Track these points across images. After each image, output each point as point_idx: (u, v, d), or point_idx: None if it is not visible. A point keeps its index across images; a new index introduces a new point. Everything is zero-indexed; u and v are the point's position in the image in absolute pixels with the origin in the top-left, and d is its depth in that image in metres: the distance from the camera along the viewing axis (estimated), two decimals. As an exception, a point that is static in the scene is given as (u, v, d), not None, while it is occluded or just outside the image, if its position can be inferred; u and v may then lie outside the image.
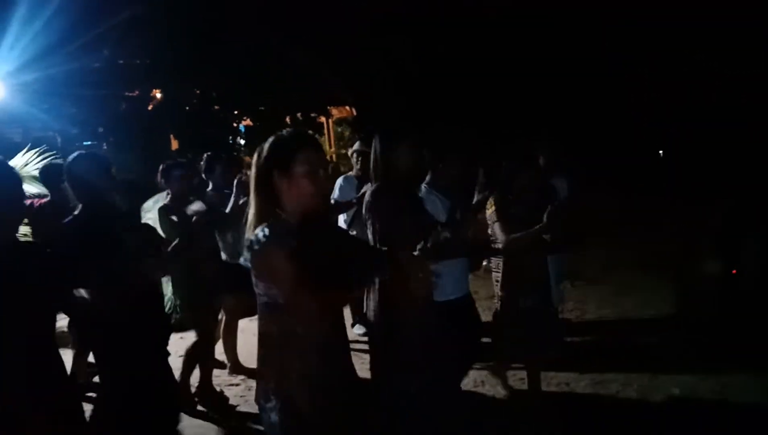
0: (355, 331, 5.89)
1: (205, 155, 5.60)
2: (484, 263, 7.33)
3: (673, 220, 9.29)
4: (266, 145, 2.35)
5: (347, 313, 6.45)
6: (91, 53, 11.92)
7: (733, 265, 5.63)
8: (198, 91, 14.28)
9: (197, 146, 11.98)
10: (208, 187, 5.37)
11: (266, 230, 2.21)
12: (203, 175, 5.51)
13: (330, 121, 18.95)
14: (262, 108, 14.96)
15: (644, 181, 14.14)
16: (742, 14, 13.62)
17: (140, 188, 4.76)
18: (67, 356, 3.39)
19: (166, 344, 3.59)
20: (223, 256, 4.99)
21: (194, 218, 4.41)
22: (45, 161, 5.49)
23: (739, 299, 5.55)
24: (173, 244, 4.12)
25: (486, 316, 4.91)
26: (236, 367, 5.39)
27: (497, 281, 4.18)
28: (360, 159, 5.76)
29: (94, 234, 3.05)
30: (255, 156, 2.38)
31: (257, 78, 13.32)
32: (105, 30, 11.61)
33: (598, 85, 15.91)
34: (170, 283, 4.81)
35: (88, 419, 3.09)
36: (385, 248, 2.94)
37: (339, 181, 5.93)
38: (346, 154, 9.57)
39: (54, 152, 5.97)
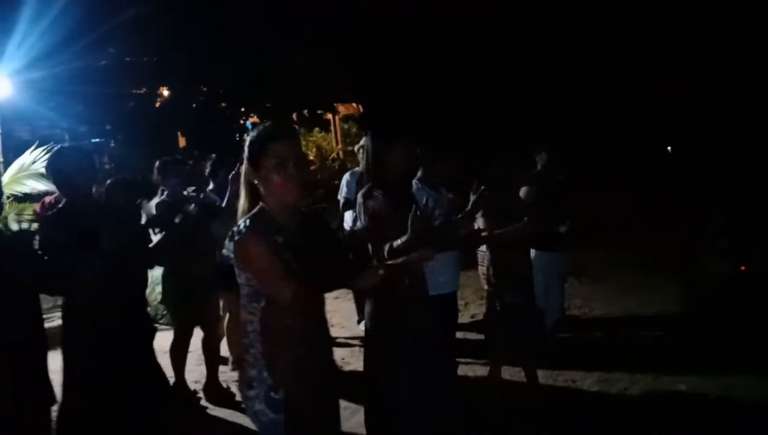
0: (362, 328, 5.90)
1: (209, 161, 5.62)
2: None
3: (678, 219, 9.26)
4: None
5: (352, 309, 6.47)
6: (98, 51, 11.96)
7: (740, 263, 5.60)
8: (205, 89, 14.32)
9: (204, 144, 12.03)
10: (209, 185, 5.40)
11: (247, 222, 2.26)
12: (207, 176, 5.53)
13: (337, 117, 18.96)
14: (269, 105, 14.99)
15: (649, 181, 14.10)
16: (742, 14, 13.56)
17: (144, 185, 4.78)
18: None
19: (150, 340, 3.60)
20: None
21: (189, 213, 4.38)
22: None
23: (745, 298, 5.52)
24: (159, 239, 4.09)
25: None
26: (240, 363, 5.42)
27: (483, 275, 4.32)
28: (366, 155, 5.76)
29: (74, 227, 3.06)
30: None
31: (264, 76, 13.34)
32: (111, 28, 11.65)
33: (600, 85, 15.87)
34: (161, 280, 4.86)
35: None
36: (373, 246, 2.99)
37: (346, 176, 5.96)
38: (353, 150, 9.57)
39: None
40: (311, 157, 19.23)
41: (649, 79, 16.20)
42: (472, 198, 4.22)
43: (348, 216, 5.55)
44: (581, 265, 7.19)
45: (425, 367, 3.05)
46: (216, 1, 12.25)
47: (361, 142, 6.05)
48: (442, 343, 3.20)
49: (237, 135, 15.23)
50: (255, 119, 15.79)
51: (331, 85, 13.92)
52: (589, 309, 6.40)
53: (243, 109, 15.19)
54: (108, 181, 4.24)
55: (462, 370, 4.78)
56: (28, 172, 6.40)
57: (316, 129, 17.66)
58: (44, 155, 5.73)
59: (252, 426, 2.45)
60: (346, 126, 19.63)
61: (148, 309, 6.36)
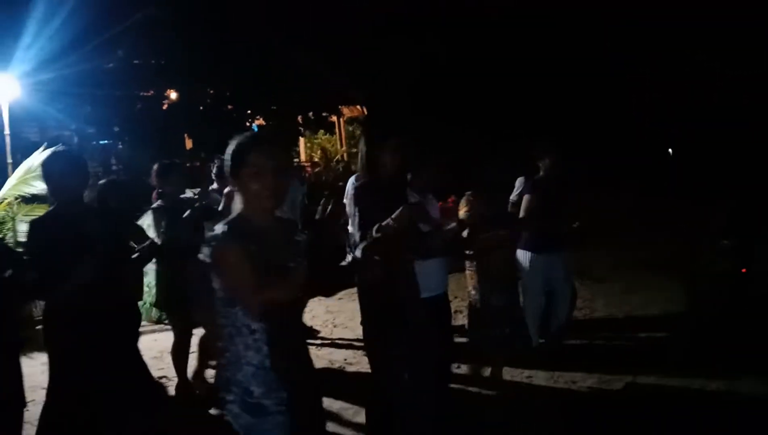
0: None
1: (216, 164, 5.65)
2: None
3: (679, 219, 9.27)
4: None
5: (356, 310, 6.51)
6: (106, 54, 12.06)
7: (741, 264, 5.62)
8: (211, 91, 14.41)
9: (211, 145, 12.10)
10: (214, 185, 5.44)
11: (224, 227, 2.31)
12: (214, 176, 5.58)
13: (341, 120, 19.01)
14: (275, 107, 15.06)
15: (650, 181, 14.09)
16: (742, 14, 13.55)
17: (136, 186, 4.77)
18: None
19: (135, 341, 3.62)
20: None
21: (185, 218, 4.40)
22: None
23: (746, 299, 5.54)
24: (143, 244, 4.07)
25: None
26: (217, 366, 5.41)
27: (471, 279, 4.38)
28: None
29: (63, 230, 3.10)
30: None
31: (270, 78, 13.42)
32: (119, 31, 11.74)
33: (601, 85, 15.87)
34: (156, 281, 4.89)
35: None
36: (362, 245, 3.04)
37: (351, 179, 6.00)
38: (357, 152, 9.60)
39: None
40: (316, 159, 19.30)
41: (649, 79, 16.21)
42: (463, 205, 4.35)
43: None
44: (583, 266, 7.22)
45: (420, 366, 3.10)
46: (222, 4, 12.33)
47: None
48: (438, 343, 3.25)
49: (243, 137, 15.31)
50: (261, 121, 15.88)
51: (335, 85, 13.97)
52: (591, 311, 6.43)
53: (249, 112, 15.27)
54: (99, 184, 4.28)
55: (462, 372, 4.83)
56: (37, 174, 6.45)
57: (321, 131, 17.73)
58: (53, 156, 5.78)
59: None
60: (350, 128, 19.68)
61: (153, 312, 6.49)
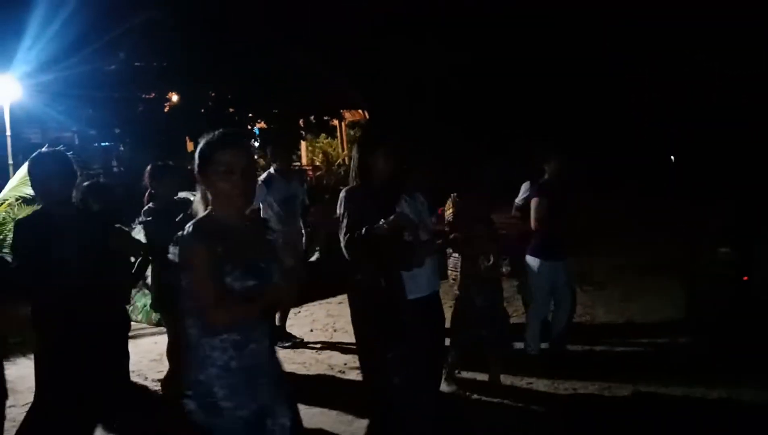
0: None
1: None
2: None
3: (680, 223, 9.25)
4: None
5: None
6: (108, 56, 12.08)
7: (742, 269, 5.60)
8: (213, 94, 14.43)
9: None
10: None
11: (191, 228, 2.30)
12: None
13: (343, 124, 19.03)
14: (276, 111, 15.08)
15: (651, 184, 14.08)
16: (742, 14, 13.54)
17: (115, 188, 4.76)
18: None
19: (122, 344, 3.62)
20: None
21: (179, 221, 4.39)
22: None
23: (748, 304, 5.52)
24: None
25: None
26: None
27: (454, 280, 4.49)
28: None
29: (49, 231, 3.09)
30: None
31: (271, 81, 13.44)
32: (121, 33, 11.76)
33: (600, 87, 15.88)
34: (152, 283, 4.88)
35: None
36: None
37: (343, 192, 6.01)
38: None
39: (71, 153, 6.06)
40: (317, 163, 19.32)
41: (648, 79, 16.20)
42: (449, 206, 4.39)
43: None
44: (583, 270, 7.20)
45: (416, 368, 3.10)
46: (223, 7, 12.35)
47: None
48: (430, 344, 3.25)
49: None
50: (262, 124, 15.90)
51: (336, 87, 13.98)
52: (591, 317, 6.40)
53: (250, 115, 15.28)
54: (82, 185, 4.27)
55: (462, 377, 4.80)
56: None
57: (323, 135, 17.75)
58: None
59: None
60: (352, 132, 19.68)
61: (153, 315, 6.47)
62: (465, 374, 4.84)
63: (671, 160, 18.54)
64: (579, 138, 12.64)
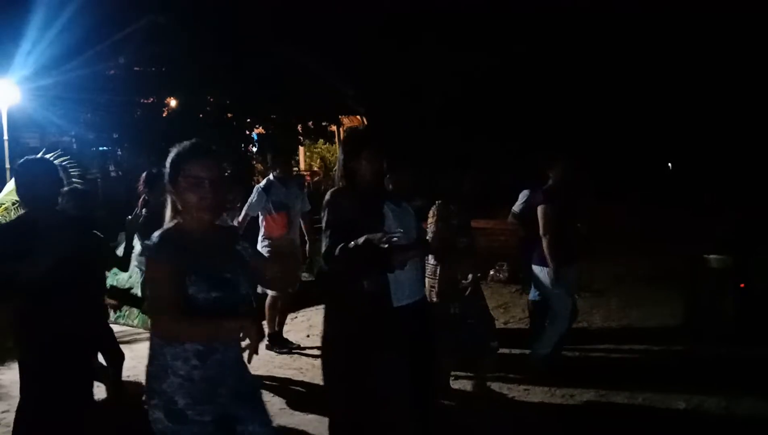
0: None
1: None
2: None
3: (679, 231, 9.27)
4: None
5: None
6: (107, 60, 12.10)
7: (740, 278, 5.61)
8: (211, 99, 14.44)
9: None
10: None
11: (157, 239, 2.29)
12: None
13: (341, 129, 19.06)
14: (274, 116, 15.10)
15: (653, 194, 14.10)
16: (742, 14, 13.55)
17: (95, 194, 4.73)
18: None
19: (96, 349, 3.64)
20: None
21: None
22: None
23: (749, 314, 5.52)
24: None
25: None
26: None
27: (432, 288, 4.44)
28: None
29: (29, 236, 3.08)
30: None
31: (270, 87, 13.45)
32: (121, 38, 11.78)
33: (599, 95, 15.88)
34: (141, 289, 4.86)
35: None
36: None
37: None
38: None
39: (69, 157, 6.07)
40: (315, 168, 19.35)
41: (652, 88, 16.19)
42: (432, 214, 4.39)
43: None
44: (584, 278, 7.21)
45: (403, 374, 3.09)
46: (223, 12, 12.36)
47: None
48: (419, 351, 3.23)
49: (242, 145, 15.35)
50: (260, 130, 15.92)
51: (338, 95, 13.98)
52: (589, 324, 6.40)
53: (249, 120, 15.29)
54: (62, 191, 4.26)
55: (456, 385, 4.79)
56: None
57: (321, 140, 17.78)
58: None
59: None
60: (350, 137, 19.65)
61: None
62: (461, 381, 4.84)
63: (668, 167, 18.58)
64: (580, 145, 12.66)
